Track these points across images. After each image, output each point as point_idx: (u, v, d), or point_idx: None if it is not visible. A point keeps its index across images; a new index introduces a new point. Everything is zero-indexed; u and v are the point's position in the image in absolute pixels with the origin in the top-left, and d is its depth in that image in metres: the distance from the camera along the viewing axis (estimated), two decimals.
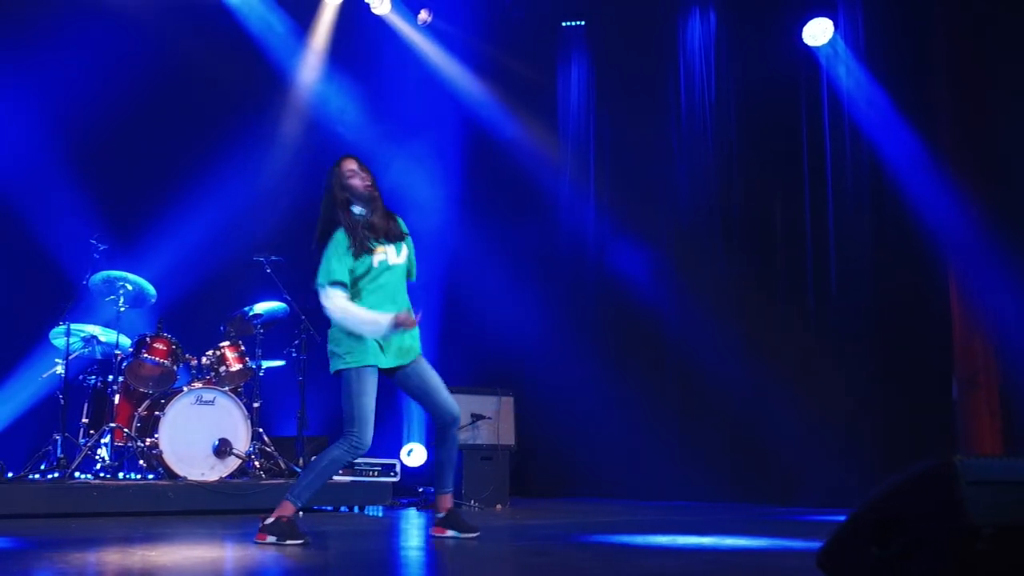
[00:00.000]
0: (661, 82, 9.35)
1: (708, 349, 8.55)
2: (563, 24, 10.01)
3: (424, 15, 9.57)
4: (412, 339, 4.68)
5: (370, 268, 4.57)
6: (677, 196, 9.17)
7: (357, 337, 4.52)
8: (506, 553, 4.59)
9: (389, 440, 8.73)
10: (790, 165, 8.60)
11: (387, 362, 4.59)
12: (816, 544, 2.65)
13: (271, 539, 4.40)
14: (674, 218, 9.16)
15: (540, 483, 8.93)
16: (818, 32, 8.49)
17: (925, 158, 7.91)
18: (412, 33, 9.78)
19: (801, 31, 8.54)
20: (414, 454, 8.49)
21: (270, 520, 4.45)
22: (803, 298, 8.39)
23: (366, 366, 4.52)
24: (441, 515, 4.77)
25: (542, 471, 8.96)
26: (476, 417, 7.64)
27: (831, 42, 8.48)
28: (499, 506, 7.48)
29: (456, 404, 4.77)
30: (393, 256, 4.65)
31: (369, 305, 4.54)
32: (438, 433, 4.78)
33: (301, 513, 4.64)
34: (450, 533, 4.71)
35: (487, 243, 9.53)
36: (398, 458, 7.78)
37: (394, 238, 4.68)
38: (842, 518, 2.49)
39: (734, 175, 8.88)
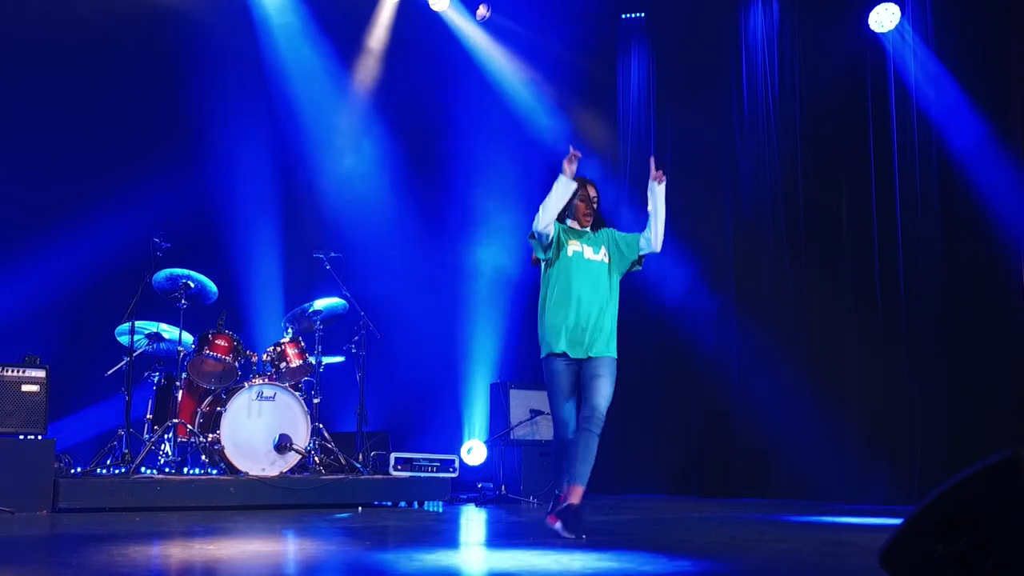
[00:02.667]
0: (723, 74, 9.20)
1: (766, 345, 8.41)
2: (623, 16, 9.92)
3: (483, 10, 9.55)
4: (601, 337, 4.81)
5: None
6: (740, 191, 9.02)
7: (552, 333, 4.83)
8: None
9: (449, 437, 8.74)
10: (856, 157, 8.38)
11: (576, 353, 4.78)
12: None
13: (559, 525, 4.58)
14: (737, 213, 9.01)
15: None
16: (885, 19, 8.27)
17: (996, 147, 7.65)
18: (471, 28, 9.77)
19: (867, 18, 8.32)
20: (474, 452, 8.47)
21: (563, 506, 4.61)
22: (871, 293, 8.17)
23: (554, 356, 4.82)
24: (561, 506, 4.69)
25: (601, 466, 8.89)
26: (535, 412, 7.60)
27: (898, 28, 8.26)
28: None
29: (600, 408, 4.72)
30: (590, 253, 4.93)
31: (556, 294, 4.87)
32: (578, 424, 4.80)
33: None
34: (557, 526, 4.63)
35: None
36: (458, 455, 7.77)
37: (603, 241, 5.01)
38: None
39: (799, 169, 8.68)
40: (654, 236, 5.01)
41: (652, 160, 5.13)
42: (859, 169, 8.35)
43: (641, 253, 5.05)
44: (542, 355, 4.88)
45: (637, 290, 8.53)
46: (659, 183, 4.99)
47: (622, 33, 9.96)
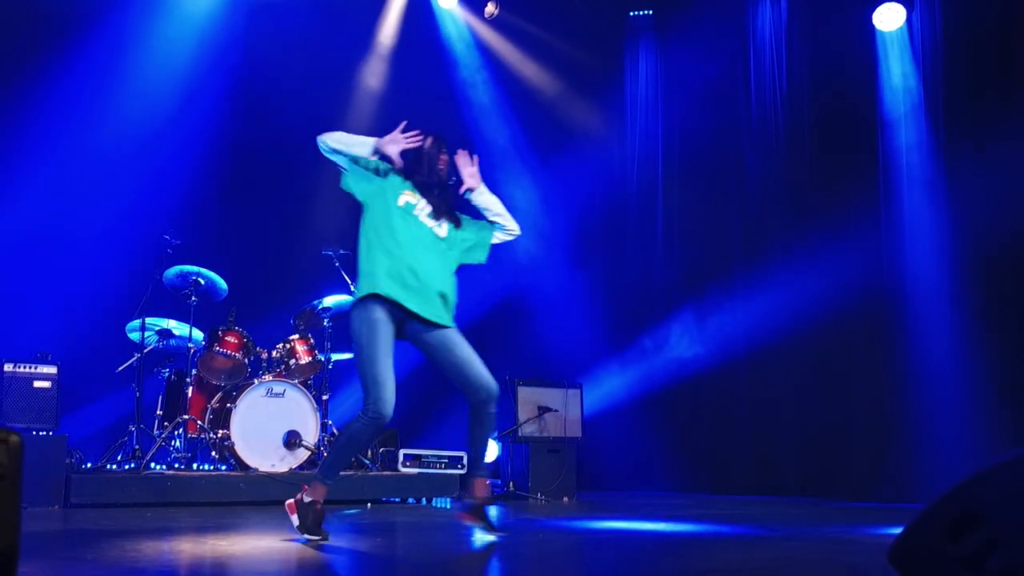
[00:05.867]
0: (731, 72, 9.21)
1: (774, 335, 8.43)
2: (631, 14, 9.93)
3: (491, 8, 9.56)
4: (441, 299, 4.36)
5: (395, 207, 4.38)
6: (747, 188, 9.03)
7: (372, 275, 4.28)
8: (570, 545, 4.56)
9: (458, 433, 8.74)
10: (864, 154, 8.39)
11: (411, 303, 4.25)
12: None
13: (295, 518, 4.30)
14: (744, 211, 9.02)
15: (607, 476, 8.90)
16: (889, 17, 8.28)
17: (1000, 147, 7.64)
18: (479, 26, 9.79)
19: (872, 16, 8.34)
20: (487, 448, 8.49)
21: (307, 499, 4.32)
22: (879, 290, 8.18)
23: (377, 300, 4.25)
24: (474, 503, 4.49)
25: (608, 465, 8.93)
26: (543, 410, 7.62)
27: (904, 27, 8.26)
28: (566, 499, 7.45)
29: (493, 380, 4.40)
30: (424, 211, 4.44)
31: (388, 239, 4.32)
32: (472, 411, 4.45)
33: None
34: (478, 525, 4.47)
35: (553, 238, 9.53)
36: (467, 451, 7.79)
37: (442, 215, 4.51)
38: None
39: (806, 166, 8.69)
40: (508, 226, 4.71)
41: (460, 158, 4.66)
42: (867, 166, 8.35)
43: (495, 241, 4.71)
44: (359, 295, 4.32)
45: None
46: (473, 191, 4.63)
47: (630, 31, 9.98)
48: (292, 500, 4.36)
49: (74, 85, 7.97)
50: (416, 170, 4.52)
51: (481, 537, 4.43)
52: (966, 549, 2.23)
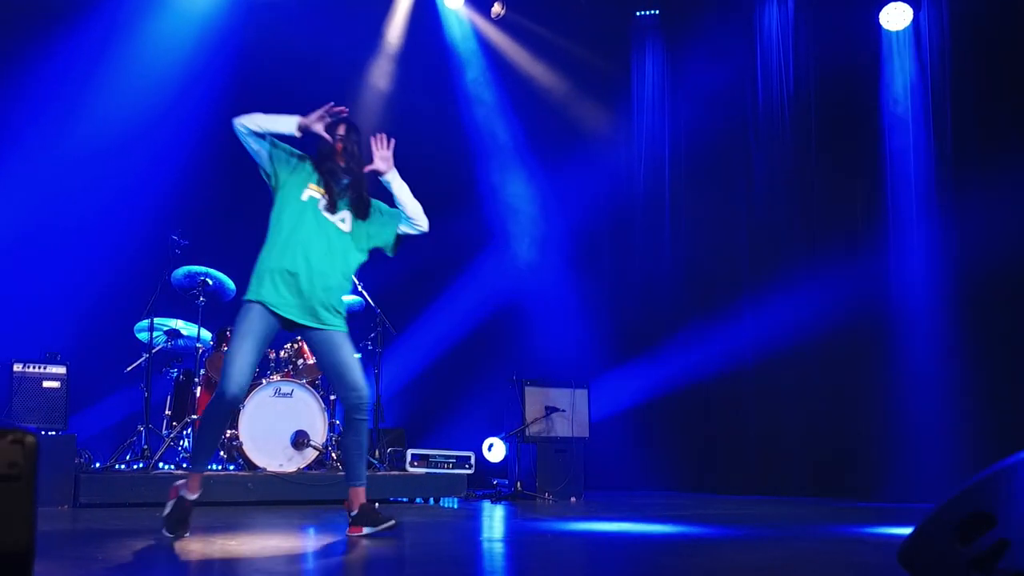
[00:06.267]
0: (737, 72, 9.21)
1: (782, 337, 8.42)
2: (637, 14, 9.93)
3: (497, 8, 9.57)
4: (323, 306, 4.35)
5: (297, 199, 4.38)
6: (754, 187, 9.03)
7: (259, 276, 4.32)
8: (575, 544, 4.57)
9: (469, 433, 8.76)
10: (872, 154, 8.39)
11: (286, 311, 4.28)
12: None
13: (168, 509, 4.28)
14: (751, 211, 9.02)
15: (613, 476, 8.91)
16: (895, 17, 8.29)
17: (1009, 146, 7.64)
18: (486, 27, 9.80)
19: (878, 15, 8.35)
20: (495, 449, 8.51)
21: (172, 500, 4.31)
22: (886, 289, 8.18)
23: (256, 302, 4.29)
24: (354, 513, 4.41)
25: (615, 465, 8.94)
26: (550, 410, 7.63)
27: (911, 26, 8.26)
28: (574, 499, 7.46)
29: (366, 388, 4.37)
30: (325, 204, 4.40)
31: (281, 237, 4.34)
32: (345, 416, 4.43)
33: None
34: (366, 530, 4.35)
35: (559, 239, 9.54)
36: (476, 451, 7.80)
37: (351, 206, 4.47)
38: None
39: (813, 165, 8.69)
40: (414, 219, 4.57)
41: (374, 141, 4.55)
42: (873, 165, 8.35)
43: (400, 233, 4.60)
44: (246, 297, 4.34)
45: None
46: (385, 174, 4.54)
47: (636, 30, 9.98)
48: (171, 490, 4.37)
49: (83, 83, 7.98)
50: (328, 157, 4.43)
51: (380, 535, 4.32)
52: (976, 549, 2.23)
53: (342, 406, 4.48)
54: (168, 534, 4.22)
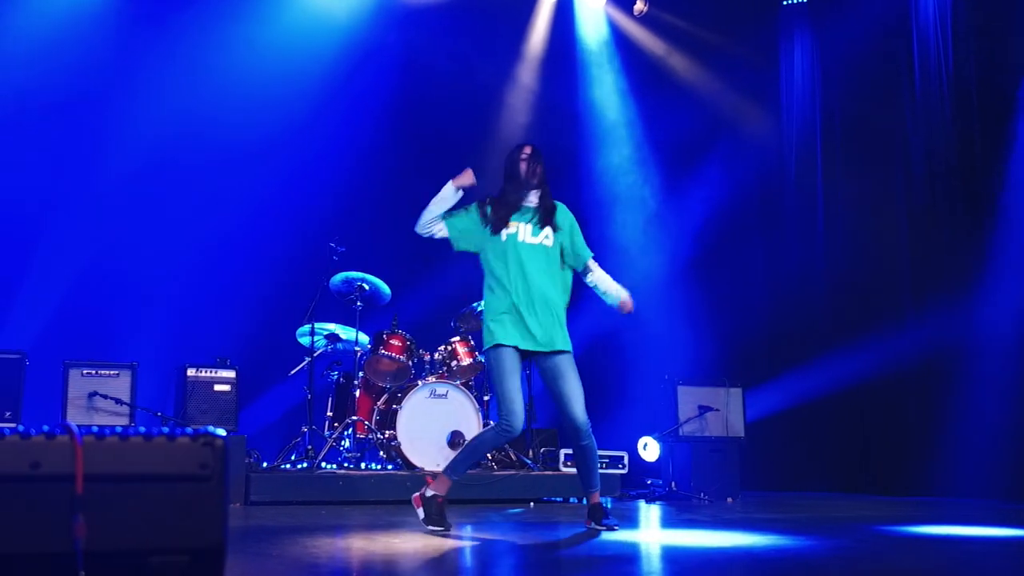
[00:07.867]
0: (892, 58, 8.84)
1: (949, 333, 8.03)
2: (784, 3, 9.70)
3: (640, 5, 9.51)
4: (543, 328, 4.65)
5: (498, 241, 4.71)
6: (913, 175, 8.62)
7: (493, 319, 4.65)
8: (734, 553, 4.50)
9: (622, 433, 8.73)
10: None
11: (520, 343, 4.62)
12: None
13: (421, 511, 4.67)
14: (910, 199, 8.63)
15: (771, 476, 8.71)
16: None
17: None
18: (627, 24, 9.76)
19: None
20: (649, 448, 8.46)
21: (429, 493, 4.69)
22: None
23: (500, 346, 4.62)
24: (589, 507, 4.90)
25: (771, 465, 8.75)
26: (703, 408, 7.53)
27: None
28: (730, 499, 7.34)
29: (584, 417, 4.71)
30: (527, 234, 4.71)
31: (498, 274, 4.68)
32: (571, 442, 4.85)
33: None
34: (592, 525, 4.80)
35: (710, 234, 9.43)
36: (631, 451, 7.77)
37: (544, 222, 4.76)
38: None
39: (975, 148, 8.23)
40: (608, 295, 5.00)
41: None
42: None
43: (588, 280, 5.01)
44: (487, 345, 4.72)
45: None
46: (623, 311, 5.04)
47: (784, 20, 9.74)
48: (417, 494, 4.76)
49: (247, 96, 8.24)
50: (512, 176, 4.77)
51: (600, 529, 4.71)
52: None
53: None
54: (438, 528, 4.58)
